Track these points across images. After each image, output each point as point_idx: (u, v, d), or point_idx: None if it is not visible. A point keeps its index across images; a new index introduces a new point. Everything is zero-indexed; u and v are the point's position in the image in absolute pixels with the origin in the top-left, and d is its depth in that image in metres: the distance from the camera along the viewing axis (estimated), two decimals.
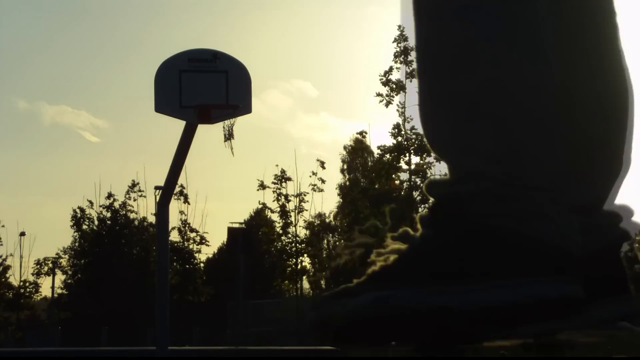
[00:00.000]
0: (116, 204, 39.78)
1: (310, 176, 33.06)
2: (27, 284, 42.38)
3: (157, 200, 17.64)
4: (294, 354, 18.86)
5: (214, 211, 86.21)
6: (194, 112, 12.26)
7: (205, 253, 41.05)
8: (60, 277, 43.58)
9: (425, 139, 1.73)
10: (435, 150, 1.65)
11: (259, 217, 41.09)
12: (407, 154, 29.40)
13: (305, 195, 33.30)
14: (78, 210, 39.92)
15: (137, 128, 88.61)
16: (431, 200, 1.57)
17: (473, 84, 1.57)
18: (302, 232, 34.16)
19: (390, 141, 29.65)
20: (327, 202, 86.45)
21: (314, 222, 36.15)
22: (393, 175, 29.84)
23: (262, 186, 33.09)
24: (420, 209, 29.55)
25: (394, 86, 29.08)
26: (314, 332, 1.47)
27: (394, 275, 1.40)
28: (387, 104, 29.17)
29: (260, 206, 34.91)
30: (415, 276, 1.41)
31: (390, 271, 1.41)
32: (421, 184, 29.51)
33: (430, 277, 1.43)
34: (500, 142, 1.55)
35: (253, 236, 31.48)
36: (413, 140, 29.19)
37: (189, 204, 36.91)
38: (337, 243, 48.05)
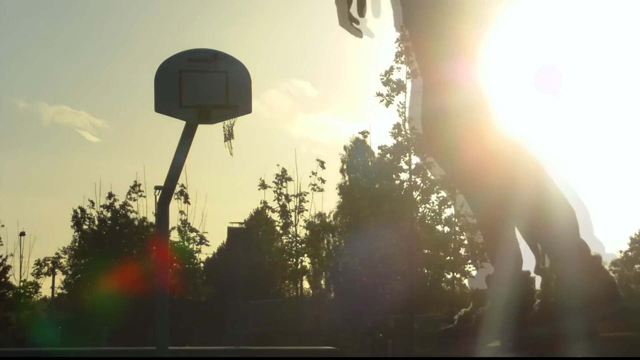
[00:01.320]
0: (116, 204, 39.78)
1: (310, 176, 33.10)
2: (27, 284, 42.39)
3: (157, 200, 17.64)
4: (294, 353, 18.86)
5: (214, 211, 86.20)
6: (194, 112, 12.25)
7: (205, 253, 41.02)
8: (60, 277, 43.59)
9: None
10: None
11: (259, 217, 41.08)
12: (407, 154, 29.40)
13: (305, 195, 33.32)
14: (79, 210, 39.92)
15: (137, 128, 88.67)
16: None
17: None
18: (302, 232, 34.19)
19: (390, 141, 29.68)
20: (327, 202, 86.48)
21: (314, 222, 36.14)
22: (393, 175, 29.85)
23: (263, 185, 33.11)
24: (420, 209, 29.54)
25: (395, 86, 29.08)
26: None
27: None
28: (388, 103, 29.18)
29: (261, 206, 34.93)
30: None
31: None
32: (421, 184, 29.49)
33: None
34: None
35: (253, 236, 31.50)
36: (413, 140, 29.19)
37: (189, 204, 36.91)
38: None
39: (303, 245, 33.69)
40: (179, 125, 12.83)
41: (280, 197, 33.09)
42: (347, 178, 55.44)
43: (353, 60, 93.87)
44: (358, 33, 4.14)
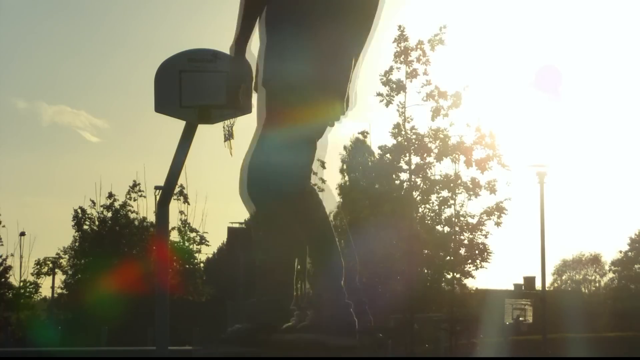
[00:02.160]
0: (116, 204, 39.81)
1: None
2: (27, 284, 42.43)
3: (157, 200, 17.65)
4: (294, 354, 18.86)
5: (214, 211, 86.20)
6: (194, 112, 12.27)
7: (205, 253, 41.06)
8: (60, 277, 43.64)
9: None
10: None
11: None
12: (407, 154, 29.40)
13: None
14: (79, 210, 39.93)
15: (137, 128, 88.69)
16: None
17: None
18: None
19: (390, 141, 29.67)
20: (327, 202, 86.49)
21: None
22: (393, 176, 29.86)
23: None
24: (420, 209, 29.56)
25: (394, 86, 29.08)
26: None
27: None
28: (387, 103, 29.17)
29: None
30: None
31: None
32: (421, 184, 29.51)
33: None
34: None
35: (253, 236, 31.40)
36: (413, 140, 29.21)
37: (188, 204, 36.95)
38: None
39: None
40: (179, 125, 12.83)
41: None
42: (347, 178, 55.50)
43: None
44: (249, 109, 4.47)
